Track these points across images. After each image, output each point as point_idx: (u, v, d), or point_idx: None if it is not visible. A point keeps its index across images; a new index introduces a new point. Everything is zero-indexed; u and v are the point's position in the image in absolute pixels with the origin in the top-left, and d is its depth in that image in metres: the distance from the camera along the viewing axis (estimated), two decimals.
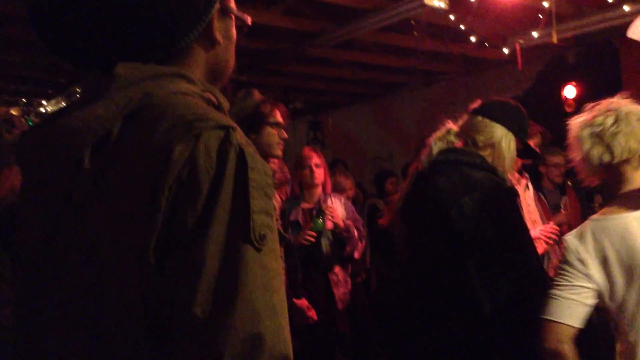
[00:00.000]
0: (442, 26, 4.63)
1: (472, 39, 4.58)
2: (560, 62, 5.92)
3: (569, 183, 4.96)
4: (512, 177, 4.19)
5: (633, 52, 3.76)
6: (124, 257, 0.83)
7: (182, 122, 0.84)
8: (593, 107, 1.71)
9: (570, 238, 1.61)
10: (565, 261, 1.60)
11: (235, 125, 0.87)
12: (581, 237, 1.58)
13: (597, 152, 1.63)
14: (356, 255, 3.98)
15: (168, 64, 0.95)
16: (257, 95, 2.39)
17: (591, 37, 5.39)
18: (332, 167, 6.58)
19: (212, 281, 0.80)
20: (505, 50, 4.82)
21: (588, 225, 1.60)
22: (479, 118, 2.03)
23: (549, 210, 4.57)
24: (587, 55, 5.72)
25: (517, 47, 4.60)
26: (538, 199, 4.54)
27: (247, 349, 0.79)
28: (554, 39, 3.84)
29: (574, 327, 1.54)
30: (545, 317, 1.56)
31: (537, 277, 1.87)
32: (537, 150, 2.41)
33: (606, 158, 1.61)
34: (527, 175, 4.41)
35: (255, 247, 0.83)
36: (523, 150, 2.14)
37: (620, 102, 1.67)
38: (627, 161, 1.61)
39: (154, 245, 0.81)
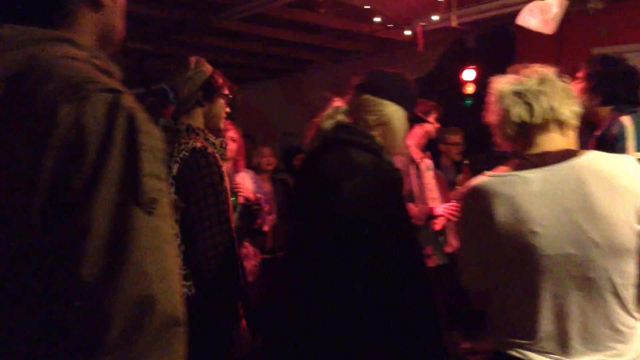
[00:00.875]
0: (349, 5, 4.70)
1: (377, 19, 4.68)
2: (461, 45, 6.18)
3: (466, 162, 5.24)
4: (417, 155, 4.40)
5: (527, 38, 3.99)
6: (9, 218, 0.82)
7: (68, 84, 0.83)
8: (518, 70, 1.65)
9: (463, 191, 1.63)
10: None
11: (125, 90, 0.87)
12: (470, 190, 1.60)
13: (516, 111, 1.57)
14: (265, 228, 4.08)
15: (55, 27, 0.93)
16: (208, 65, 2.36)
17: (489, 23, 5.66)
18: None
19: (100, 243, 0.80)
20: (408, 32, 4.96)
21: (479, 180, 1.58)
22: (366, 97, 1.97)
23: (446, 187, 4.81)
24: (485, 40, 6.00)
25: (419, 29, 4.75)
26: (437, 177, 4.77)
27: (136, 311, 0.80)
28: (454, 23, 4.00)
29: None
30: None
31: (415, 265, 1.87)
32: (429, 120, 2.43)
33: (525, 117, 1.56)
34: (430, 155, 4.62)
35: (145, 211, 0.83)
36: (411, 119, 2.10)
37: (548, 69, 1.63)
38: (543, 125, 1.56)
39: (39, 206, 0.80)
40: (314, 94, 7.79)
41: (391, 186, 1.93)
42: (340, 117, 2.01)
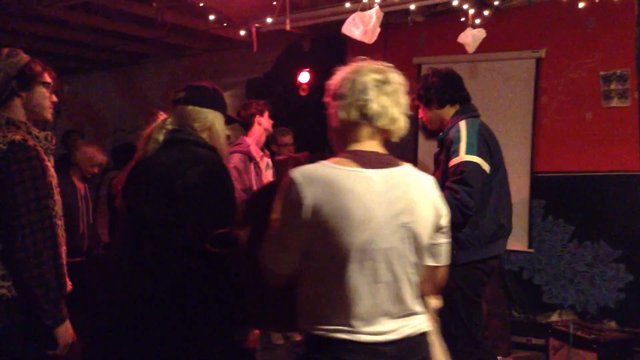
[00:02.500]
0: (184, 0, 4.63)
1: (212, 17, 4.67)
2: (297, 49, 6.36)
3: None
4: (257, 154, 4.47)
5: (356, 45, 4.22)
6: None
7: None
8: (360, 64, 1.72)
9: (294, 174, 1.60)
10: None
11: None
12: (307, 177, 1.58)
13: (374, 107, 1.64)
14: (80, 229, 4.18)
15: None
16: (24, 54, 2.27)
17: (323, 28, 5.90)
18: (68, 137, 6.16)
19: None
20: (242, 32, 5.00)
21: (317, 166, 1.62)
22: (190, 107, 2.28)
23: None
24: (319, 45, 6.25)
25: (253, 30, 4.81)
26: (274, 176, 4.88)
27: None
28: (288, 27, 4.11)
29: None
30: None
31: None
32: (236, 118, 2.80)
33: (355, 115, 1.65)
34: (268, 154, 4.72)
35: None
36: (227, 121, 2.42)
37: (389, 68, 1.71)
38: (375, 125, 1.66)
39: None
40: (149, 88, 7.57)
41: (227, 175, 2.23)
42: (170, 127, 2.26)
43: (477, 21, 4.45)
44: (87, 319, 2.88)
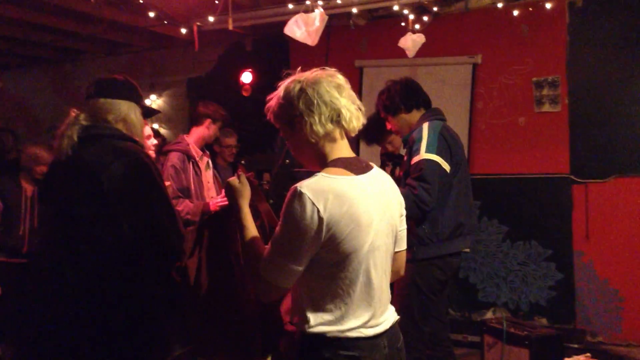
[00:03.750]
0: None
1: (152, 14, 4.57)
2: (239, 48, 6.32)
3: (242, 162, 5.38)
4: (197, 154, 4.41)
5: (299, 47, 4.23)
6: None
7: None
8: (302, 71, 1.77)
9: (303, 189, 1.62)
10: None
11: None
12: (315, 190, 1.62)
13: (348, 115, 1.71)
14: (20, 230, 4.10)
15: None
16: None
17: (266, 29, 5.88)
18: None
19: None
20: (184, 30, 4.93)
21: (323, 180, 1.65)
22: (102, 100, 2.24)
23: (221, 185, 4.90)
24: (262, 45, 6.22)
25: (195, 29, 4.75)
26: (214, 175, 4.83)
27: None
28: (230, 26, 4.08)
29: None
30: None
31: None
32: (156, 109, 2.69)
33: (328, 125, 1.71)
34: (208, 154, 4.66)
35: None
36: (146, 112, 2.40)
37: (343, 78, 1.78)
38: (343, 132, 1.75)
39: None
40: (85, 86, 7.32)
41: (152, 165, 2.17)
42: (84, 122, 2.20)
43: (417, 26, 4.55)
44: (16, 323, 2.78)
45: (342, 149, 1.75)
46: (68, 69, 7.50)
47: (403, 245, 1.91)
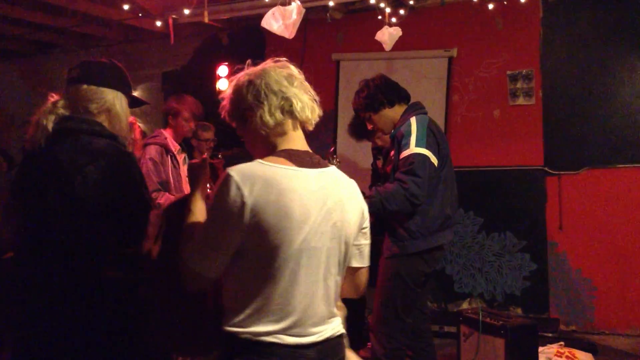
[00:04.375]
0: None
1: (126, 7, 4.52)
2: (216, 42, 6.28)
3: (220, 155, 5.35)
4: (174, 148, 4.39)
5: (276, 40, 4.23)
6: None
7: None
8: (269, 64, 1.71)
9: (232, 172, 1.56)
10: None
11: None
12: (245, 175, 1.55)
13: (270, 109, 1.63)
14: None
15: None
16: None
17: (242, 22, 5.85)
18: None
19: None
20: (159, 23, 4.88)
21: (254, 165, 1.59)
22: (85, 86, 1.99)
23: None
24: (238, 38, 6.19)
25: (170, 22, 4.71)
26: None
27: None
28: (206, 19, 4.05)
29: None
30: None
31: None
32: (145, 100, 2.44)
33: (277, 116, 1.64)
34: (186, 150, 4.64)
35: None
36: (132, 102, 2.17)
37: (297, 69, 1.72)
38: (297, 123, 1.68)
39: None
40: (59, 79, 7.21)
41: (133, 167, 1.99)
42: (61, 111, 1.98)
43: (394, 20, 4.57)
44: None
45: (293, 140, 1.67)
46: (40, 63, 7.37)
47: (364, 262, 1.78)
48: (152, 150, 4.04)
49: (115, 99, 2.03)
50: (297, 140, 1.68)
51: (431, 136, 3.09)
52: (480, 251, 5.30)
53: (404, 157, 3.04)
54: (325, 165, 1.69)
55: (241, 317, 1.55)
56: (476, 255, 5.31)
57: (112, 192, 1.88)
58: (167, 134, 4.43)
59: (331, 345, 1.64)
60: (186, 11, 4.35)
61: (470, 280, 5.35)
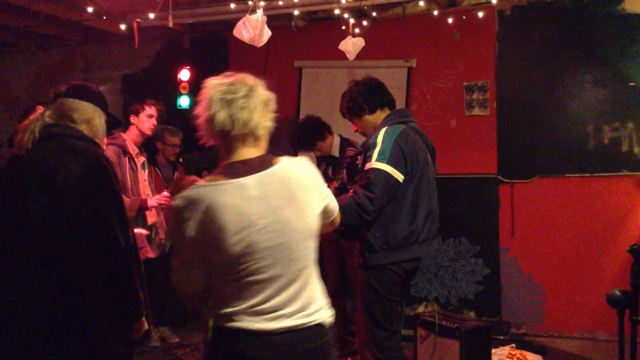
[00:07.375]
0: None
1: (90, 9, 4.49)
2: (177, 45, 6.26)
3: (181, 160, 5.35)
4: (133, 150, 4.38)
5: (239, 46, 4.26)
6: None
7: None
8: (232, 74, 1.82)
9: (176, 201, 1.71)
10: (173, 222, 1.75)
11: None
12: (187, 201, 1.70)
13: (220, 118, 1.73)
14: None
15: None
16: None
17: (206, 27, 5.86)
18: None
19: None
20: (123, 26, 4.86)
21: (194, 190, 1.71)
22: (70, 100, 2.29)
23: (162, 183, 4.87)
24: (201, 43, 6.19)
25: (135, 25, 4.69)
26: (153, 174, 4.80)
27: None
28: (170, 23, 4.06)
29: None
30: None
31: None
32: (120, 119, 2.80)
33: (227, 127, 1.74)
34: (145, 154, 4.63)
35: None
36: (110, 121, 2.49)
37: (257, 81, 1.82)
38: (242, 136, 1.76)
39: None
40: (13, 80, 7.06)
41: (110, 169, 2.23)
42: (48, 120, 2.24)
43: (357, 30, 4.67)
44: None
45: (239, 150, 1.79)
46: None
47: (334, 213, 2.00)
48: (109, 151, 4.10)
49: (95, 112, 2.33)
50: (244, 150, 1.78)
51: (397, 150, 2.99)
52: (436, 256, 5.44)
53: (366, 170, 3.02)
54: (271, 164, 1.78)
55: (221, 311, 1.73)
56: (432, 260, 5.45)
57: (91, 188, 2.12)
58: (127, 136, 4.45)
59: (307, 333, 1.77)
60: (151, 15, 4.35)
61: (426, 284, 5.49)
